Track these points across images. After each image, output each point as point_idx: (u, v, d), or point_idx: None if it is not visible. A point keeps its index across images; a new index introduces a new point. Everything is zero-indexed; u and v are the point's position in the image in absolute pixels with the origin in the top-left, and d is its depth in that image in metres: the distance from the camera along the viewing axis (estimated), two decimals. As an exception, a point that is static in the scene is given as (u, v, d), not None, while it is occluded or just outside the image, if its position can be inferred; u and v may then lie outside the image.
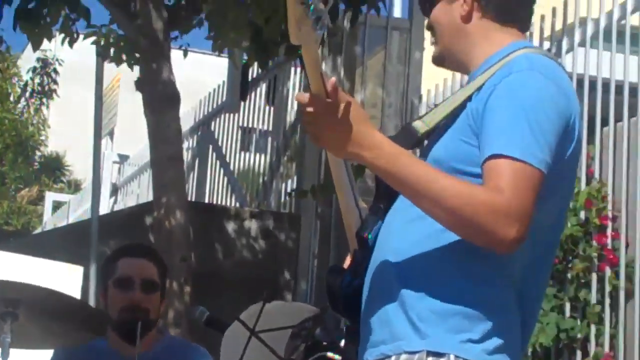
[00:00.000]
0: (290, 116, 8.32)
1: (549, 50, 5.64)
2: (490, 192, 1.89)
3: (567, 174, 2.08)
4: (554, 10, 5.98)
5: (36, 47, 6.33)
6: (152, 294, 3.54)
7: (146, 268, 3.61)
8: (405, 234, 2.08)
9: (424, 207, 1.95)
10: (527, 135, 1.93)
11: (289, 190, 7.80)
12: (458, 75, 6.35)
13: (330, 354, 2.39)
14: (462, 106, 2.07)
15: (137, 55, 6.52)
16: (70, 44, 6.65)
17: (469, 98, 2.07)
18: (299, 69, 7.97)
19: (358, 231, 2.22)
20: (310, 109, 1.95)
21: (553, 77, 2.03)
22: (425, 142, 2.19)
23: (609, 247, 5.27)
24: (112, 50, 7.00)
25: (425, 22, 2.32)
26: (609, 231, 5.29)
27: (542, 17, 5.86)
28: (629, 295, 5.21)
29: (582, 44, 5.72)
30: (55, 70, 14.34)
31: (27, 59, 15.89)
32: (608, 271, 5.24)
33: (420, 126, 2.14)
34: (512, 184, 1.89)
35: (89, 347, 3.51)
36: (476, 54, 2.18)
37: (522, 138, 1.93)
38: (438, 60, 2.27)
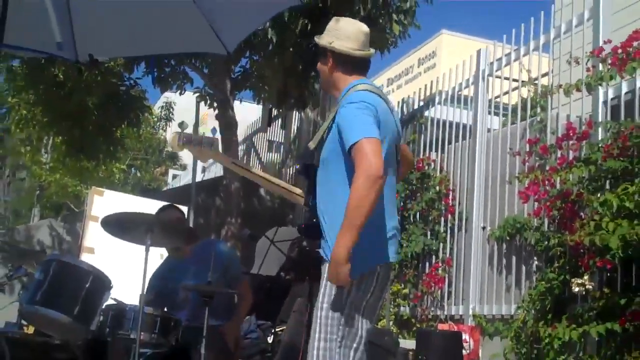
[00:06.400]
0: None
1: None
2: (361, 170, 2.80)
3: (386, 139, 3.11)
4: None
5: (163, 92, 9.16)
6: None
7: (173, 213, 4.74)
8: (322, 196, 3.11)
9: (363, 215, 2.85)
10: (360, 127, 2.90)
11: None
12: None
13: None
14: (332, 121, 3.06)
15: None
16: (180, 94, 9.49)
17: (334, 117, 3.03)
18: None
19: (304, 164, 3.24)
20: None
21: (365, 100, 3.05)
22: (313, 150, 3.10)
23: (450, 204, 7.69)
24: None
25: None
26: (450, 196, 7.70)
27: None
28: (459, 229, 7.54)
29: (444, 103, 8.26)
30: (172, 107, 21.29)
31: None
32: (450, 217, 7.68)
33: (311, 144, 3.09)
34: (370, 152, 2.80)
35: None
36: (338, 88, 3.24)
37: (359, 128, 2.89)
38: (324, 88, 3.37)
